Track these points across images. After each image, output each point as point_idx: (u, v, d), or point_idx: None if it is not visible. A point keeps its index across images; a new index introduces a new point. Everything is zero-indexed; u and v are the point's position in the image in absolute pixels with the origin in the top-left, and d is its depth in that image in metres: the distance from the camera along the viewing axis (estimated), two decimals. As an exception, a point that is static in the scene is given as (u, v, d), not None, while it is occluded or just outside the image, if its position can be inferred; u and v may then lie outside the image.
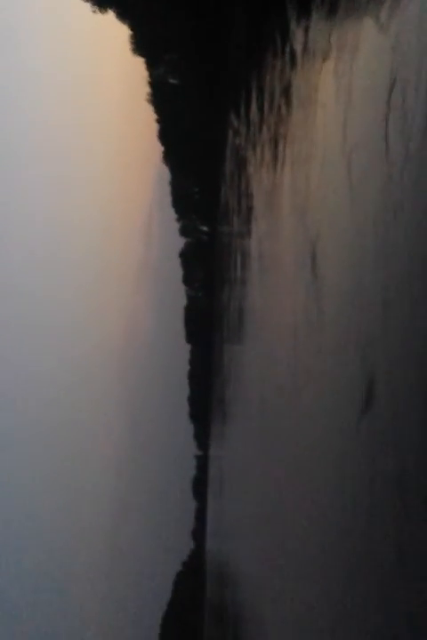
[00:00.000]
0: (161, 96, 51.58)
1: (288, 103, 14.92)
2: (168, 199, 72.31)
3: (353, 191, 7.68)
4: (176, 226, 75.33)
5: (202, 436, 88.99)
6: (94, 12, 43.02)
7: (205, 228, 72.82)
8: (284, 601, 11.17)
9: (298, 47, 13.71)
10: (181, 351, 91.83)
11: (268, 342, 15.34)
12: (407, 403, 5.15)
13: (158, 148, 62.47)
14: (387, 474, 5.36)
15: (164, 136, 57.93)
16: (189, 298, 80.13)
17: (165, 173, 70.13)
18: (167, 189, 71.59)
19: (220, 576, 39.89)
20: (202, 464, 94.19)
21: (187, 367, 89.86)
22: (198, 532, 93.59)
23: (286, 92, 15.23)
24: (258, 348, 18.44)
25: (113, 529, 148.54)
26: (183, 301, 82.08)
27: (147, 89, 52.87)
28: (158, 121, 56.42)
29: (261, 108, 21.74)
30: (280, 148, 15.59)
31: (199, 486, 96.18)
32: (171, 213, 74.42)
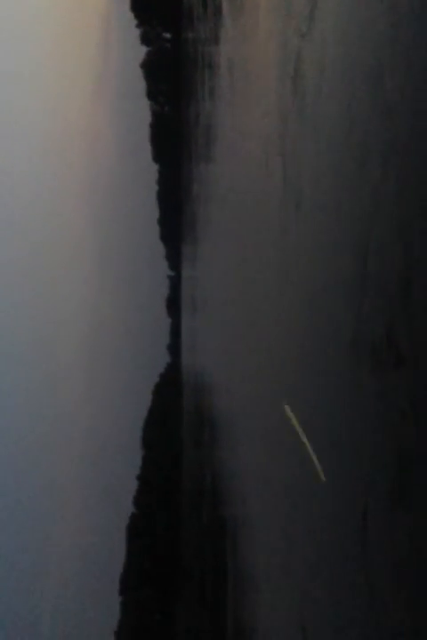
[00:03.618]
0: None
1: None
2: (126, 2, 65.89)
3: None
4: (136, 33, 69.44)
5: (174, 257, 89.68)
6: None
7: (167, 35, 67.27)
8: (254, 405, 12.00)
9: None
10: (149, 171, 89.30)
11: (242, 161, 14.80)
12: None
13: None
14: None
15: None
16: (154, 114, 75.98)
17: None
18: (124, -10, 65.00)
19: (195, 386, 42.40)
20: (175, 284, 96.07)
21: (155, 187, 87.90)
22: (174, 347, 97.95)
23: None
24: (231, 167, 17.85)
25: (92, 343, 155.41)
26: (148, 118, 77.99)
27: None
28: None
29: None
30: None
31: (173, 305, 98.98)
32: (130, 19, 68.22)
